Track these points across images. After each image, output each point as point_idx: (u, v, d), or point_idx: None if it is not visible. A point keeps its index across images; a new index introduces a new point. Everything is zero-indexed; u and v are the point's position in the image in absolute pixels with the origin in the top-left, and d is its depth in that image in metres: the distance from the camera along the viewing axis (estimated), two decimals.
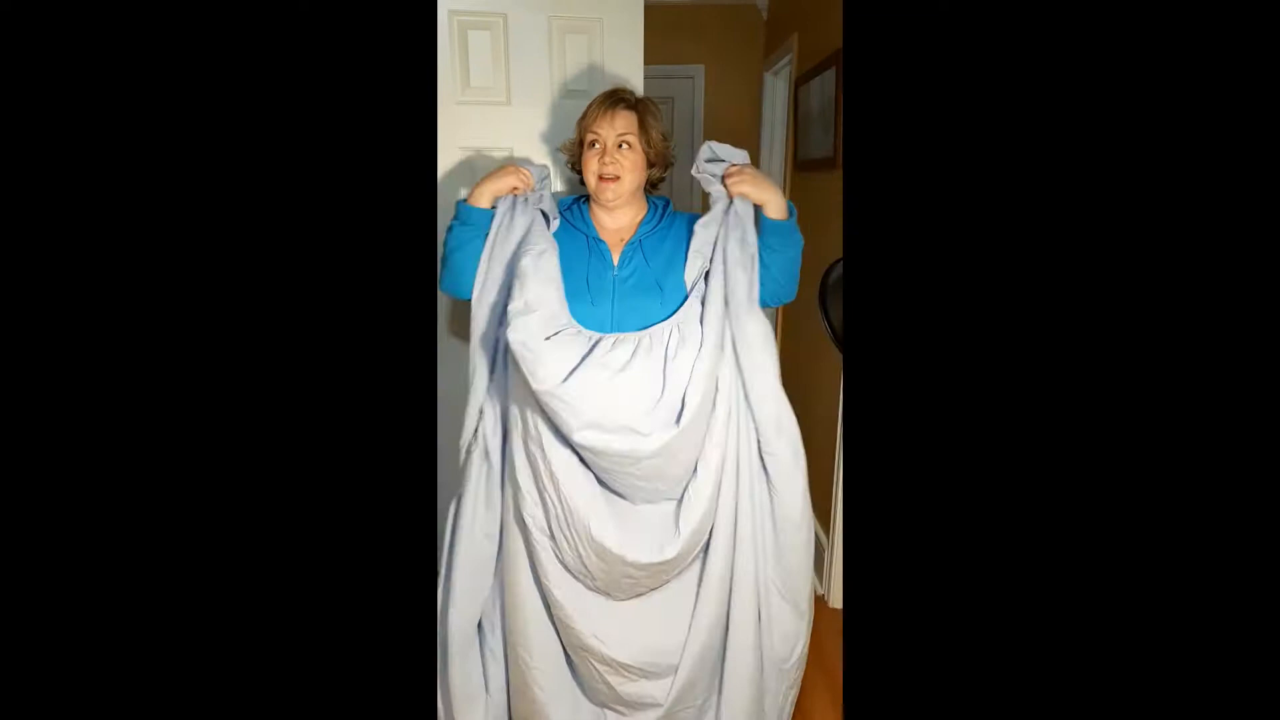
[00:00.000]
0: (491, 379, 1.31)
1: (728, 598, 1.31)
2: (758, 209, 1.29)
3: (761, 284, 1.28)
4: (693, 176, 1.32)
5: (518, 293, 1.20)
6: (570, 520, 1.21)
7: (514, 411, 1.26)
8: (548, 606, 1.31)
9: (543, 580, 1.29)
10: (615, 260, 1.30)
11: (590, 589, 1.29)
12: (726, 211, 1.27)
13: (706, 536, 1.29)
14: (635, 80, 1.65)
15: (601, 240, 1.31)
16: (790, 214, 1.30)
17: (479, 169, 1.65)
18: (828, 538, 2.27)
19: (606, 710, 1.36)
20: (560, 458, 1.20)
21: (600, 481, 1.24)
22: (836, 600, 2.22)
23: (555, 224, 1.32)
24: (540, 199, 1.32)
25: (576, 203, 1.37)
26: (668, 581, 1.30)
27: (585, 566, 1.25)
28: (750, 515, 1.30)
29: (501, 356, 1.30)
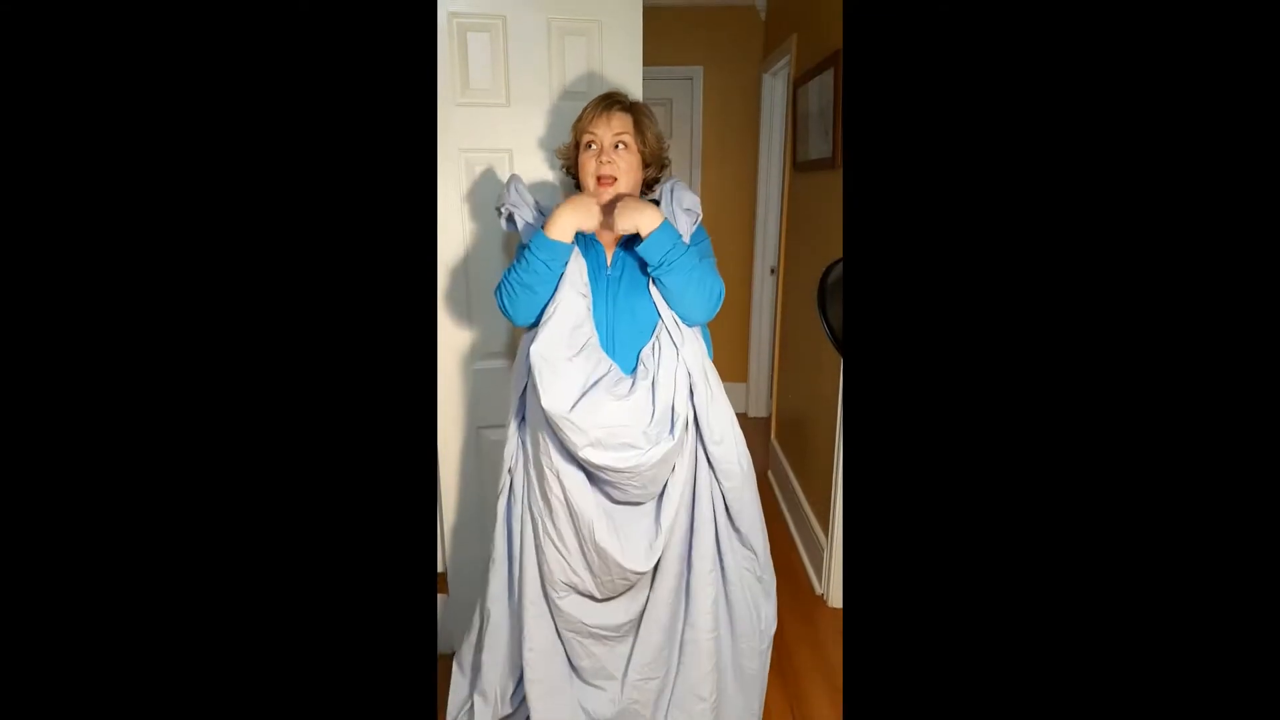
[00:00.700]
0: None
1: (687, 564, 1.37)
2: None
3: (669, 305, 1.29)
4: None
5: (553, 298, 1.25)
6: (577, 528, 1.27)
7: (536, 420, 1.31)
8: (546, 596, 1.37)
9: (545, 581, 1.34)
10: (609, 260, 1.32)
11: (581, 594, 1.34)
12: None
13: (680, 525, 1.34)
14: (634, 82, 1.65)
15: (597, 241, 1.33)
16: (662, 234, 1.22)
17: (478, 170, 1.65)
18: (827, 538, 2.27)
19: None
20: (568, 470, 1.26)
21: (604, 492, 1.28)
22: (836, 600, 2.22)
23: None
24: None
25: None
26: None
27: (590, 571, 1.30)
28: (706, 485, 1.36)
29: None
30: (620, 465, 1.20)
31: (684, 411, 1.25)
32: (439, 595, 1.90)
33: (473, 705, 1.43)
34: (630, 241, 1.31)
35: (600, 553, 1.27)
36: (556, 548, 1.30)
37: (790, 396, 2.87)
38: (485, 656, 1.40)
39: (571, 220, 1.23)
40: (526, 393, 1.32)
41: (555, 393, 1.18)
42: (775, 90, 3.37)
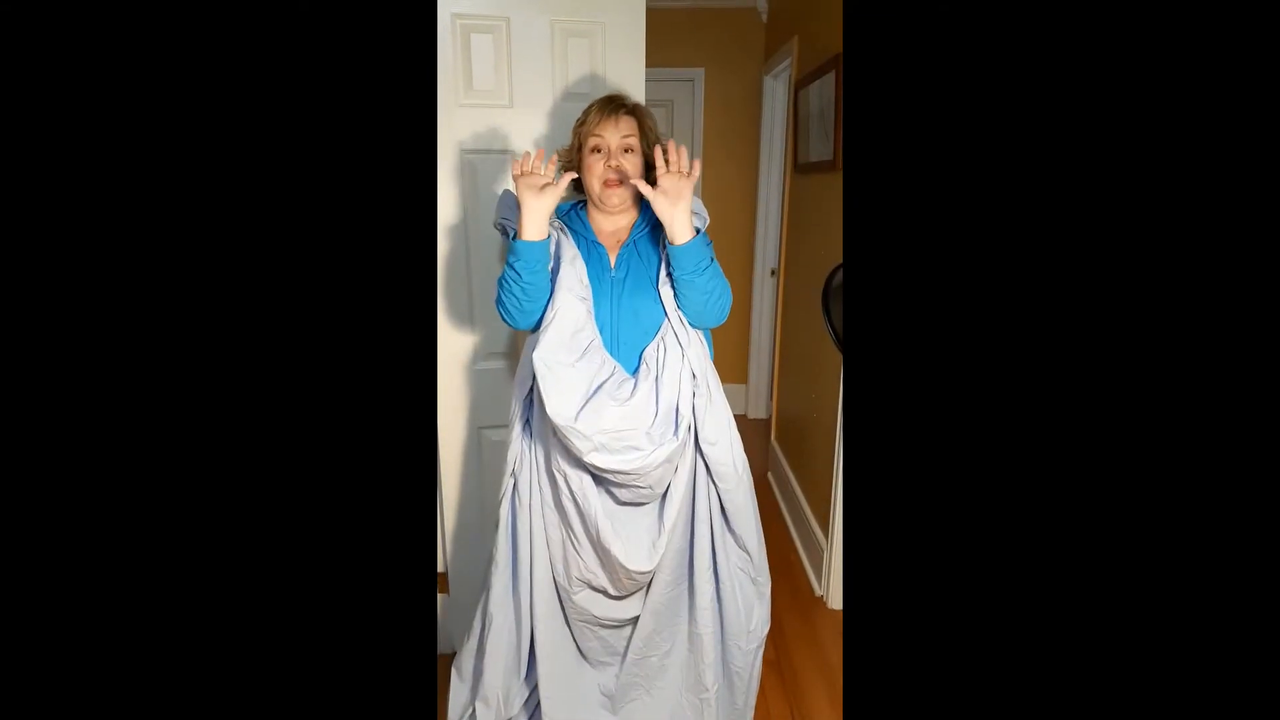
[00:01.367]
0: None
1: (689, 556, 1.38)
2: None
3: (679, 306, 1.28)
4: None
5: (551, 304, 1.25)
6: (587, 529, 1.29)
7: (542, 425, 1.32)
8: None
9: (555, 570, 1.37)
10: (612, 262, 1.32)
11: (595, 589, 1.36)
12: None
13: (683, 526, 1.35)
14: (637, 83, 1.65)
15: (600, 243, 1.33)
16: (694, 241, 1.21)
17: (480, 171, 1.65)
18: (826, 539, 2.27)
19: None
20: (575, 474, 1.27)
21: (610, 494, 1.29)
22: (835, 601, 2.22)
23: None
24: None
25: (574, 208, 1.38)
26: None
27: (604, 570, 1.32)
28: (703, 486, 1.36)
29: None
30: (625, 467, 1.20)
31: (688, 412, 1.26)
32: (439, 595, 1.91)
33: (474, 711, 1.43)
34: (635, 243, 1.32)
35: (604, 554, 1.29)
36: (576, 549, 1.32)
37: (790, 398, 2.87)
38: (487, 661, 1.40)
39: (533, 218, 1.20)
40: (531, 398, 1.33)
41: (559, 401, 1.18)
42: (776, 92, 3.37)
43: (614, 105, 1.29)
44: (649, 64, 1.68)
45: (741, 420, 3.83)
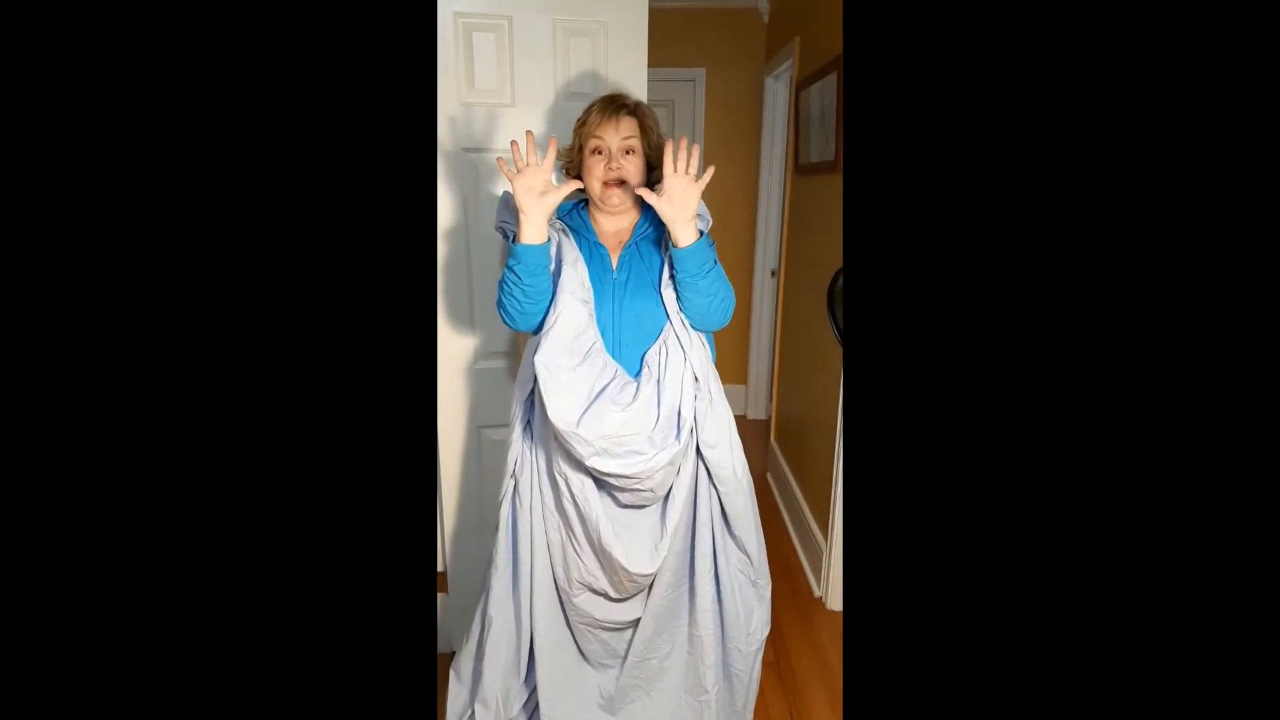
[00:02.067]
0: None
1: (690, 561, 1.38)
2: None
3: (682, 308, 1.28)
4: None
5: (552, 306, 1.25)
6: (588, 532, 1.29)
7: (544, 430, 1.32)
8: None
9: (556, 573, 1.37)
10: (614, 264, 1.31)
11: (596, 592, 1.36)
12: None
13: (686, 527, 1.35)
14: (638, 83, 1.65)
15: (601, 245, 1.32)
16: (698, 244, 1.20)
17: (480, 170, 1.65)
18: (826, 540, 2.27)
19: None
20: (577, 477, 1.26)
21: (612, 497, 1.29)
22: (835, 602, 2.22)
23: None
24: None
25: (575, 208, 1.37)
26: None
27: (605, 573, 1.32)
28: (705, 494, 1.36)
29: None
30: (627, 471, 1.20)
31: (689, 415, 1.25)
32: (439, 595, 1.90)
33: (473, 713, 1.43)
34: (637, 244, 1.31)
35: (605, 556, 1.28)
36: (577, 552, 1.32)
37: (790, 399, 2.87)
38: (486, 663, 1.40)
39: (531, 222, 1.19)
40: (532, 400, 1.32)
41: (561, 405, 1.18)
42: (777, 93, 3.37)
43: (614, 106, 1.28)
44: (650, 63, 1.67)
45: (741, 421, 3.83)
